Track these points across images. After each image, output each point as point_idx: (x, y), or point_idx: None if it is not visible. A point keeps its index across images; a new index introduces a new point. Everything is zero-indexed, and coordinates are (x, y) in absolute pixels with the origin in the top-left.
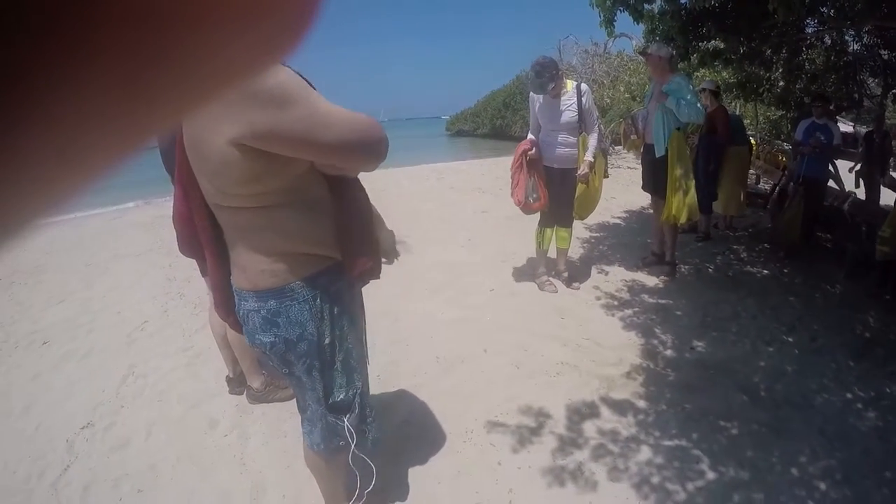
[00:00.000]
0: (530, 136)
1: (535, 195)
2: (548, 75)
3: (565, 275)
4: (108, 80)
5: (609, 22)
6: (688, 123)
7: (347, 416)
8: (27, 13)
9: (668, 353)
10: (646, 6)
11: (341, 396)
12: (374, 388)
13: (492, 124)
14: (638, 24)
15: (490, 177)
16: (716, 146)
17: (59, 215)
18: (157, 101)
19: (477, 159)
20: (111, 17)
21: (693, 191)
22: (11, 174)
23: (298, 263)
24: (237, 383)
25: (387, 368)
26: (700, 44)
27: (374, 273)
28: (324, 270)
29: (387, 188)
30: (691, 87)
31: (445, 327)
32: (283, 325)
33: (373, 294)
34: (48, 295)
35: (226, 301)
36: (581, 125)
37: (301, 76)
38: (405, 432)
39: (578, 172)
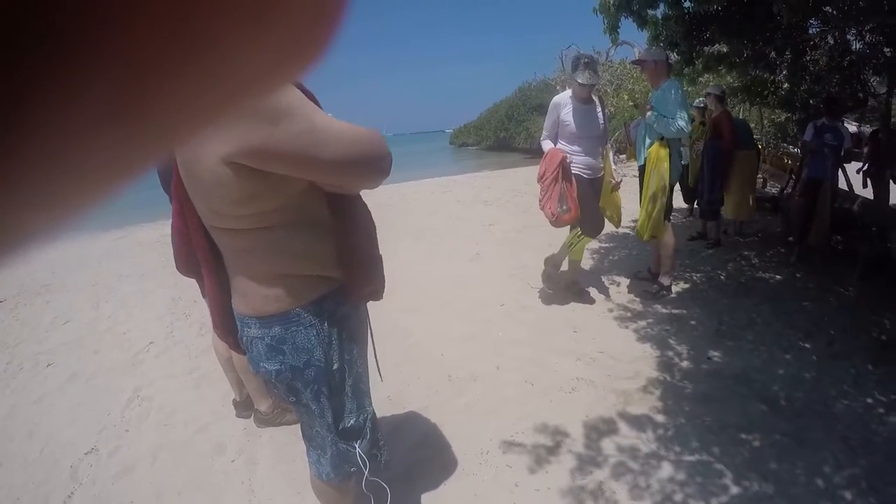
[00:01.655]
0: (547, 142)
1: (565, 207)
2: (595, 66)
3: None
4: (107, 90)
5: (613, 28)
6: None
7: (359, 441)
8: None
9: (684, 364)
10: (649, 12)
11: (352, 422)
12: (386, 410)
13: (495, 136)
14: (642, 30)
15: (496, 189)
16: (721, 151)
17: (63, 234)
18: (162, 117)
19: (482, 171)
20: (109, 23)
21: (660, 207)
22: (7, 189)
23: (303, 286)
24: (244, 407)
25: (398, 389)
26: (704, 48)
27: (379, 294)
28: (329, 293)
29: (393, 203)
30: (677, 93)
31: (456, 344)
32: (290, 353)
33: (381, 311)
34: (54, 315)
35: (224, 320)
36: (604, 134)
37: (303, 89)
38: (418, 455)
39: (615, 180)
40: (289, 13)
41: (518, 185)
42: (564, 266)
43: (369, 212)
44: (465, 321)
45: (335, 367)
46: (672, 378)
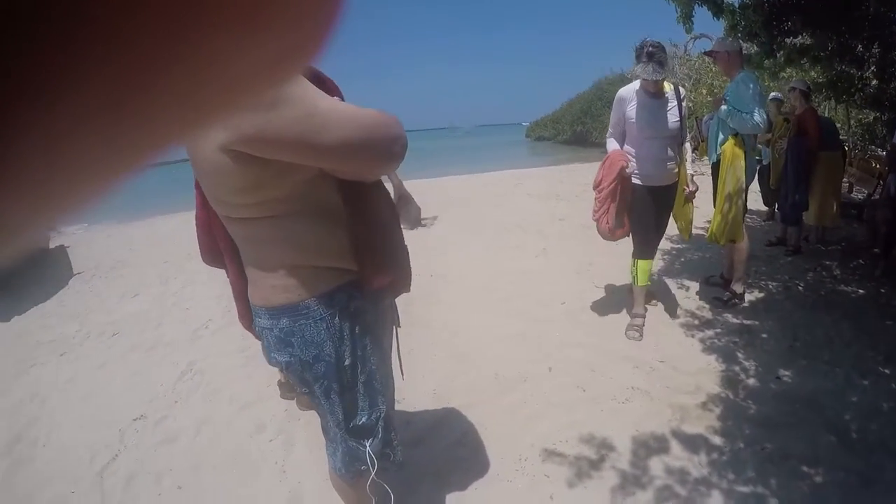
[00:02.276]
0: (612, 142)
1: (618, 220)
2: (662, 56)
3: (641, 322)
4: (104, 86)
5: (687, 17)
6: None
7: (370, 440)
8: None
9: (751, 382)
10: None
11: (363, 420)
12: (429, 405)
13: (572, 130)
14: (718, 18)
15: (568, 184)
16: (806, 151)
17: (58, 228)
18: (160, 114)
19: (555, 166)
20: (106, 19)
21: (738, 208)
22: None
23: (313, 278)
24: (288, 388)
25: (443, 384)
26: (786, 40)
27: (402, 287)
28: (342, 286)
29: (463, 194)
30: (755, 86)
31: (510, 342)
32: (298, 345)
33: (437, 303)
34: (125, 288)
35: (247, 312)
36: (681, 133)
37: (320, 76)
38: (455, 454)
39: (688, 190)
40: (285, 10)
41: (591, 180)
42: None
43: (390, 200)
44: (523, 318)
45: (347, 362)
46: (735, 396)
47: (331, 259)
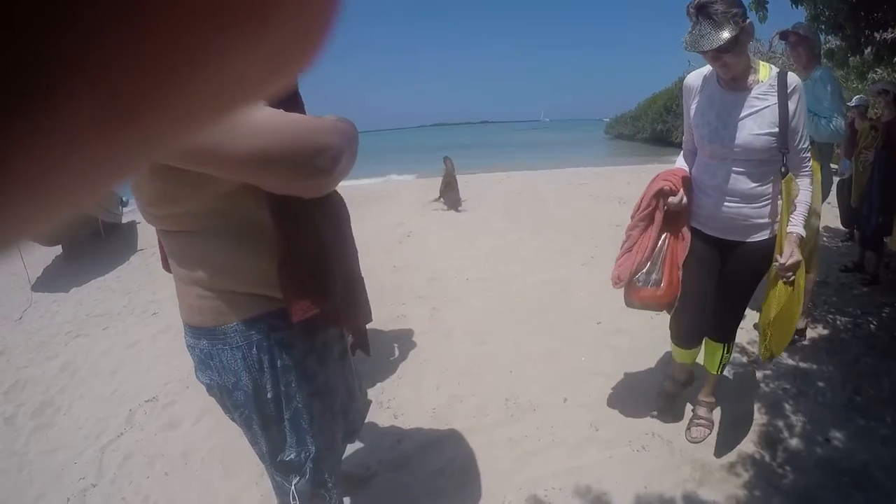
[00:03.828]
0: (681, 161)
1: (656, 276)
2: (725, 12)
3: (707, 413)
4: (100, 93)
5: (761, 4)
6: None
7: (296, 478)
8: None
9: (793, 442)
10: None
11: (290, 457)
12: (425, 424)
13: (652, 129)
14: (797, 6)
15: (636, 186)
16: (894, 166)
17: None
18: (155, 121)
19: (625, 166)
20: (105, 27)
21: (815, 232)
22: None
23: (231, 303)
24: None
25: (447, 403)
26: (875, 33)
27: (346, 318)
28: (265, 315)
29: (524, 191)
30: (834, 86)
31: (531, 362)
32: (216, 370)
33: (466, 309)
34: None
35: None
36: (783, 154)
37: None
38: (435, 484)
39: (779, 261)
40: (282, 19)
41: None
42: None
43: (337, 220)
44: (551, 336)
45: (269, 395)
46: (772, 458)
47: (251, 284)
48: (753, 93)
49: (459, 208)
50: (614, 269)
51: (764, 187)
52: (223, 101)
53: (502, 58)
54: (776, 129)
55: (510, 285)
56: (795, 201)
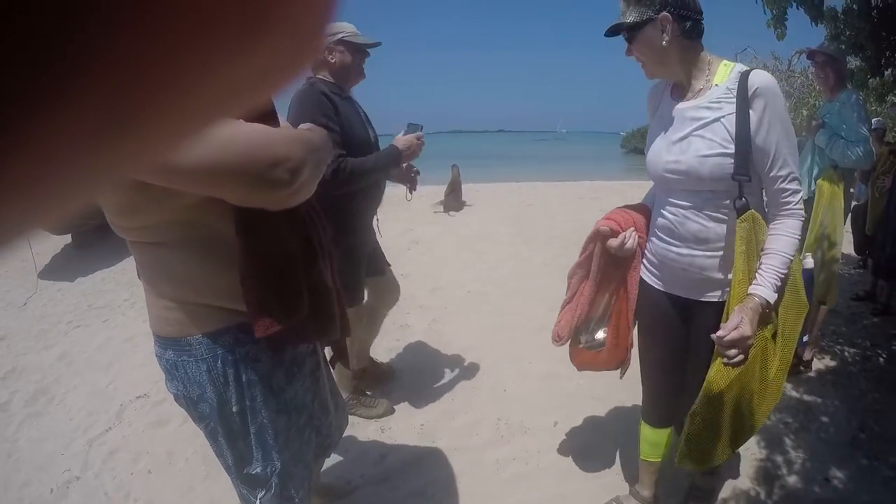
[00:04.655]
0: (648, 193)
1: (599, 335)
2: None
3: None
4: (101, 100)
5: (780, 21)
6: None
7: (261, 493)
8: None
9: (791, 480)
10: (827, 2)
11: (256, 470)
12: (410, 439)
13: None
14: (816, 24)
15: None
16: None
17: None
18: (153, 127)
19: (639, 181)
20: (107, 33)
21: (835, 259)
22: None
23: (196, 315)
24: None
25: (437, 419)
26: None
27: (314, 334)
28: (231, 328)
29: (534, 204)
30: (860, 109)
31: (526, 382)
32: (182, 381)
33: (466, 323)
34: None
35: None
36: (740, 181)
37: None
38: None
39: (720, 334)
40: (277, 27)
41: None
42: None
43: (304, 230)
44: (549, 356)
45: (234, 409)
46: (767, 496)
47: (216, 297)
48: (703, 100)
49: (460, 213)
50: (555, 324)
51: (720, 226)
52: (220, 107)
53: (518, 64)
54: (730, 148)
55: (512, 300)
56: (767, 250)
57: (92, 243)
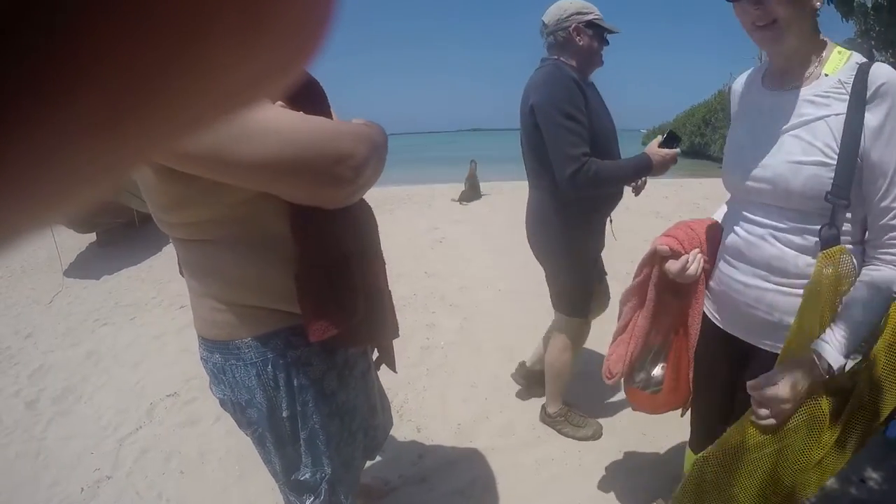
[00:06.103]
0: (722, 208)
1: (657, 371)
2: None
3: None
4: (100, 97)
5: None
6: None
7: (310, 498)
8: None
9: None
10: None
11: (305, 476)
12: (447, 440)
13: (690, 142)
14: (846, 20)
15: (673, 200)
16: None
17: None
18: (153, 125)
19: (662, 179)
20: (109, 30)
21: None
22: None
23: (246, 318)
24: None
25: (473, 419)
26: None
27: (369, 338)
28: (281, 331)
29: None
30: None
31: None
32: (230, 385)
33: (494, 321)
34: None
35: None
36: (836, 205)
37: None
38: None
39: (751, 383)
40: (279, 22)
41: (698, 198)
42: None
43: (359, 229)
44: (587, 355)
45: (284, 414)
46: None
47: (268, 299)
48: (807, 92)
49: (486, 212)
50: (606, 358)
51: (802, 258)
52: (219, 106)
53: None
54: (832, 158)
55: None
56: (850, 300)
57: (116, 241)
